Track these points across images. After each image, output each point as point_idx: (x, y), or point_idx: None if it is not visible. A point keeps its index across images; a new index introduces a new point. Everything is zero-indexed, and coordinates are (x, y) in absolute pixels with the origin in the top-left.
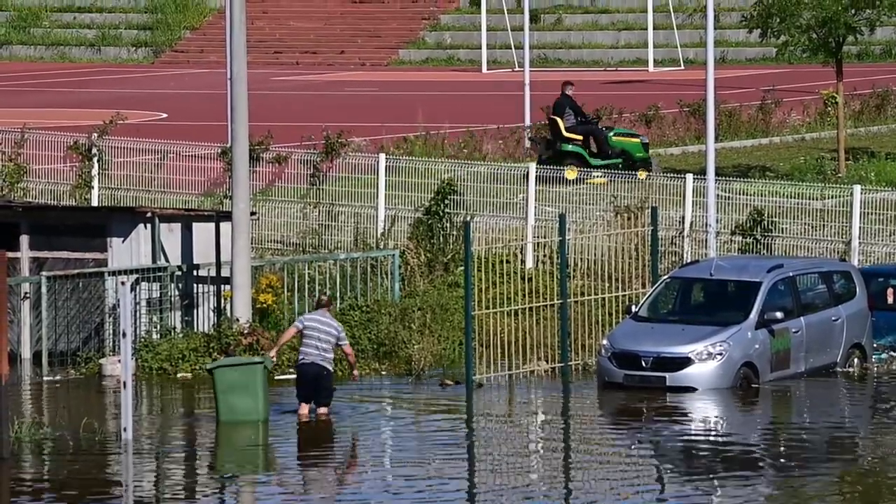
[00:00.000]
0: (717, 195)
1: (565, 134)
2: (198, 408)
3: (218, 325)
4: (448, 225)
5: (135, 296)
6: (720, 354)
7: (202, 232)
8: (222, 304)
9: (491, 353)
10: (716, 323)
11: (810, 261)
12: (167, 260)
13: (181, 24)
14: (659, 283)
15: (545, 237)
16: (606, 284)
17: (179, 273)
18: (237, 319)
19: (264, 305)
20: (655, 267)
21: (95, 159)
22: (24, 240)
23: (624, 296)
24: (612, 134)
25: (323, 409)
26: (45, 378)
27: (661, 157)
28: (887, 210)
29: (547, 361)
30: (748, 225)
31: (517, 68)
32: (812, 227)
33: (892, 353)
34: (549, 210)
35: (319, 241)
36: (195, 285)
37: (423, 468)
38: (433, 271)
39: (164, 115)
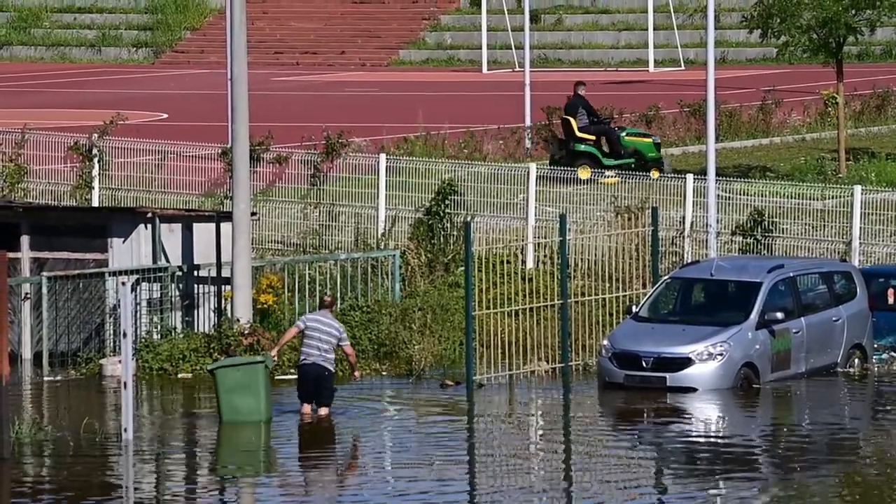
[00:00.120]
0: (718, 195)
1: (578, 134)
2: (199, 408)
3: (218, 326)
4: (448, 225)
5: (135, 296)
6: (721, 355)
7: (203, 232)
8: (223, 305)
9: (491, 353)
10: (716, 323)
11: (811, 261)
12: (168, 260)
13: (181, 25)
14: (659, 283)
15: (546, 237)
16: (607, 285)
17: (180, 273)
18: (238, 320)
19: (265, 306)
20: (656, 267)
21: (96, 160)
22: (25, 240)
23: (624, 296)
24: (624, 134)
25: (324, 410)
26: (45, 378)
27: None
28: (888, 210)
29: (547, 362)
30: (749, 225)
31: (517, 68)
32: (812, 228)
33: (892, 353)
34: (550, 210)
35: (320, 242)
36: (196, 286)
37: (423, 469)
38: (434, 272)
39: (165, 116)
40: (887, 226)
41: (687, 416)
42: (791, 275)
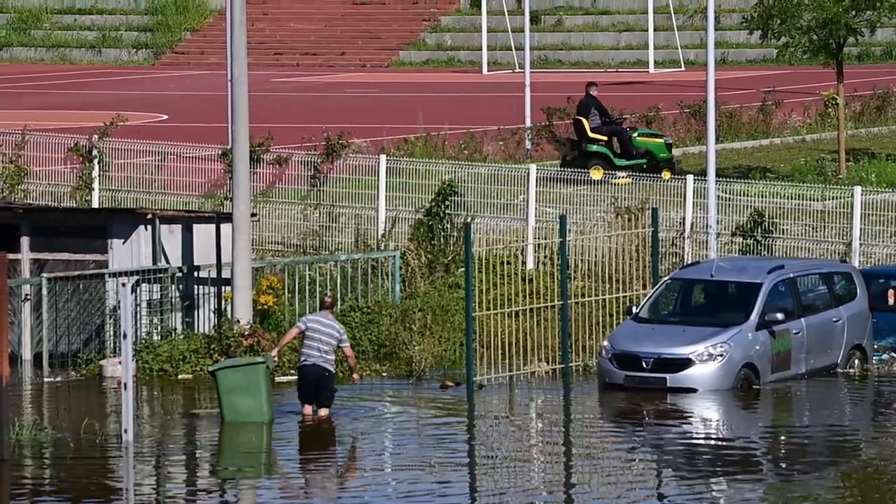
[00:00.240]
0: (718, 196)
1: (590, 134)
2: (199, 409)
3: (219, 327)
4: (449, 226)
5: (135, 297)
6: (721, 355)
7: (203, 233)
8: (223, 306)
9: (492, 354)
10: (716, 324)
11: (811, 262)
12: (168, 261)
13: (182, 26)
14: (660, 284)
15: (546, 238)
16: (607, 286)
17: (180, 274)
18: (238, 321)
19: (265, 307)
20: (656, 268)
21: (96, 161)
22: (25, 241)
23: (625, 297)
24: (636, 134)
25: (324, 411)
26: (45, 379)
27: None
28: (888, 211)
29: (548, 363)
30: (749, 226)
31: (518, 70)
32: (813, 229)
33: (892, 354)
34: (550, 211)
35: (320, 243)
36: (196, 287)
37: (424, 470)
38: (434, 272)
39: (165, 117)
40: (887, 227)
41: (687, 416)
42: (791, 276)
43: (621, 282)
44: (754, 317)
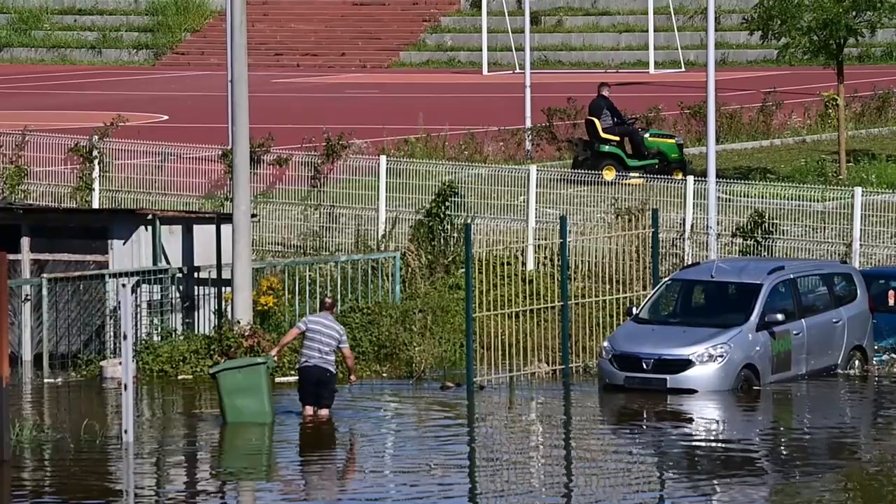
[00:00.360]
0: (718, 197)
1: (603, 135)
2: (199, 410)
3: (219, 328)
4: (449, 227)
5: (135, 298)
6: (721, 356)
7: (203, 234)
8: (223, 307)
9: (492, 355)
10: (717, 325)
11: (811, 263)
12: (168, 262)
13: (182, 27)
14: (660, 285)
15: (546, 239)
16: (607, 286)
17: (180, 275)
18: (238, 321)
19: (265, 307)
20: (656, 269)
21: (96, 161)
22: (25, 242)
23: (625, 298)
24: (648, 135)
25: (324, 411)
26: (45, 380)
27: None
28: (888, 212)
29: (548, 363)
30: (749, 227)
31: (518, 70)
32: (813, 230)
33: (892, 355)
34: (550, 212)
35: (320, 244)
36: (196, 287)
37: (424, 470)
38: (434, 273)
39: (165, 118)
40: (888, 227)
41: (687, 417)
42: (791, 276)
43: (621, 283)
44: (754, 318)
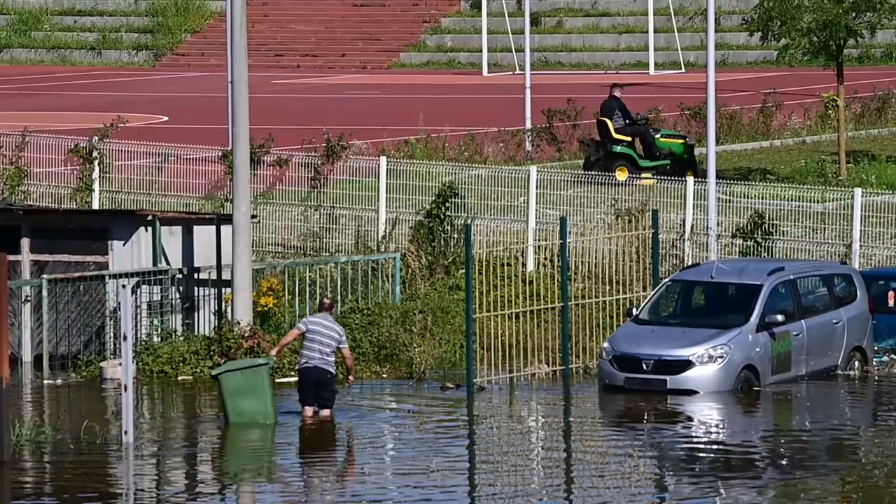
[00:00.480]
0: (718, 198)
1: (615, 135)
2: (199, 411)
3: (219, 328)
4: (449, 228)
5: (135, 299)
6: (721, 357)
7: (203, 235)
8: (223, 307)
9: (492, 356)
10: (717, 326)
11: (811, 264)
12: (168, 263)
13: (182, 28)
14: (660, 286)
15: (546, 240)
16: (607, 287)
17: (180, 276)
18: (238, 322)
19: (265, 308)
20: (656, 270)
21: (96, 162)
22: (25, 243)
23: (625, 299)
24: (659, 136)
25: (326, 412)
26: (45, 381)
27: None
28: (888, 213)
29: (548, 364)
30: (749, 228)
31: (518, 71)
32: (813, 230)
33: (892, 356)
34: (550, 213)
35: (320, 244)
36: (196, 288)
37: (424, 471)
38: (434, 274)
39: (165, 119)
40: (888, 228)
41: (687, 418)
42: (791, 277)
43: (621, 283)
44: (754, 319)
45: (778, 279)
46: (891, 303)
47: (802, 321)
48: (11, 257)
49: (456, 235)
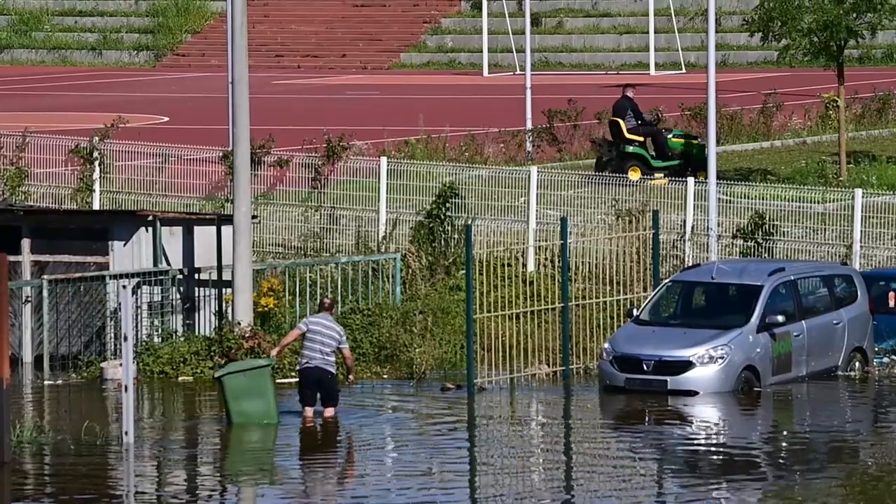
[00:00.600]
0: (719, 199)
1: (627, 135)
2: (200, 411)
3: (219, 329)
4: (449, 228)
5: (136, 299)
6: (722, 358)
7: (203, 235)
8: (223, 308)
9: (492, 356)
10: (717, 326)
11: (812, 264)
12: (168, 263)
13: (182, 28)
14: (660, 286)
15: (547, 241)
16: (608, 288)
17: (181, 277)
18: (238, 323)
19: (265, 309)
20: (657, 270)
21: (97, 163)
22: (26, 243)
23: (625, 299)
24: (671, 136)
25: (330, 411)
26: (46, 382)
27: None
28: (889, 214)
29: (548, 365)
30: (749, 228)
31: (518, 72)
32: (813, 231)
33: (893, 356)
34: (551, 213)
35: (321, 245)
36: (196, 289)
37: (424, 472)
38: (434, 275)
39: (166, 119)
40: (888, 229)
41: (688, 419)
42: (792, 278)
43: (622, 284)
44: (755, 319)
45: (778, 280)
46: (891, 303)
47: (803, 322)
48: (12, 258)
49: (456, 236)
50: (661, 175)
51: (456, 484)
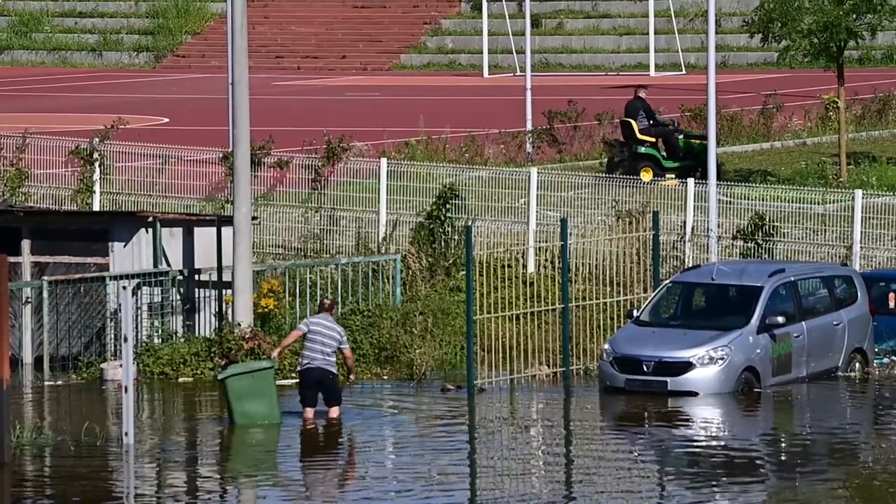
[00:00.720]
0: (719, 200)
1: (639, 136)
2: (200, 412)
3: (219, 330)
4: (449, 229)
5: (136, 300)
6: (722, 359)
7: (204, 236)
8: (224, 309)
9: (492, 357)
10: (717, 327)
11: (812, 265)
12: (169, 264)
13: (182, 29)
14: (660, 287)
15: (547, 241)
16: (608, 289)
17: (181, 278)
18: (238, 324)
19: (266, 310)
20: (657, 271)
21: (97, 164)
22: (26, 244)
23: (625, 300)
24: (682, 136)
25: (335, 410)
26: (46, 382)
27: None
28: (889, 214)
29: (548, 366)
30: (750, 229)
31: (518, 73)
32: (813, 232)
33: (893, 357)
34: (551, 214)
35: (321, 246)
36: (196, 290)
37: (425, 473)
38: (435, 276)
39: (166, 120)
40: (888, 230)
41: (688, 420)
42: (792, 279)
43: (622, 285)
44: (755, 320)
45: (778, 281)
46: (891, 304)
47: (803, 323)
48: (12, 259)
49: (456, 237)
50: (673, 176)
51: (456, 485)
